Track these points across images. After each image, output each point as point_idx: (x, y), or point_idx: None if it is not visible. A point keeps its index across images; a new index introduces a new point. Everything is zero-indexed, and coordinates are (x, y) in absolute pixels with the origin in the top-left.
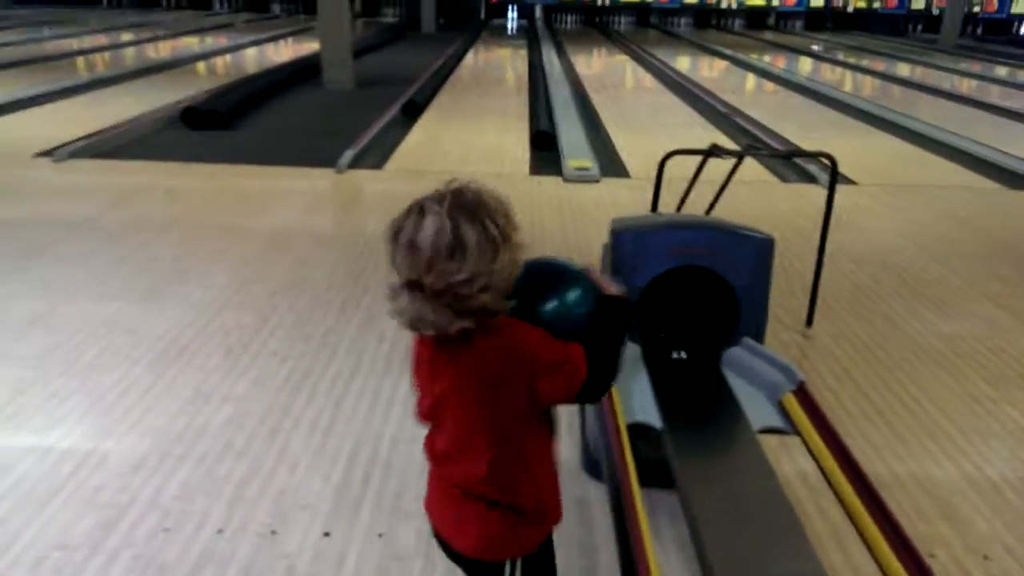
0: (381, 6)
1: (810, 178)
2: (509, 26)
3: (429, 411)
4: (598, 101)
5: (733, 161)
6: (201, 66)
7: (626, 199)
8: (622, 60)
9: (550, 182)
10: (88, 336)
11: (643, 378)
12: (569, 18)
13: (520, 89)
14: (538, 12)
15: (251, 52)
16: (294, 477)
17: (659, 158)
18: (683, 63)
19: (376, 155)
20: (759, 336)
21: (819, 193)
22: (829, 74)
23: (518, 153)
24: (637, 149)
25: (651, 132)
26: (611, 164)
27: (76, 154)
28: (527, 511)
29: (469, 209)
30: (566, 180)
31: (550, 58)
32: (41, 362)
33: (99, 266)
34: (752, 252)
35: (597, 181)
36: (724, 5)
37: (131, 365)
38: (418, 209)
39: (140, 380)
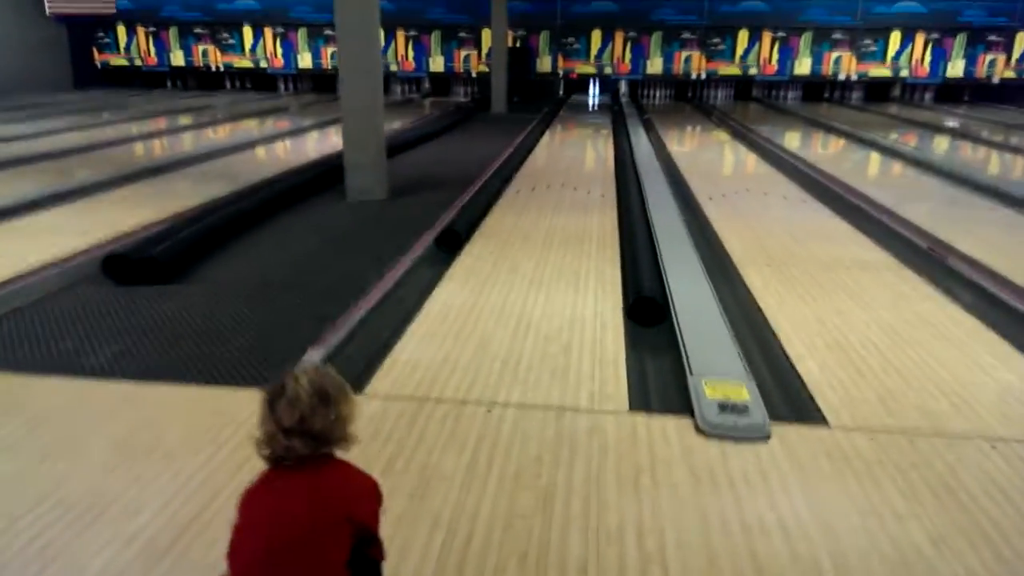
0: (452, 84)
1: None
2: (590, 102)
3: (268, 548)
4: (717, 218)
5: None
6: (213, 166)
7: (836, 497)
8: (725, 141)
9: (670, 433)
10: None
11: None
12: (658, 93)
13: (606, 194)
14: (623, 87)
15: (286, 145)
16: None
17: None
18: (814, 151)
19: (362, 353)
20: None
21: None
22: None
23: (606, 341)
24: (818, 336)
25: (826, 291)
26: (777, 380)
27: None
28: None
29: (322, 373)
30: (703, 431)
31: (639, 144)
32: None
33: None
34: None
35: (764, 437)
36: (842, 76)
37: None
38: (292, 377)
39: None
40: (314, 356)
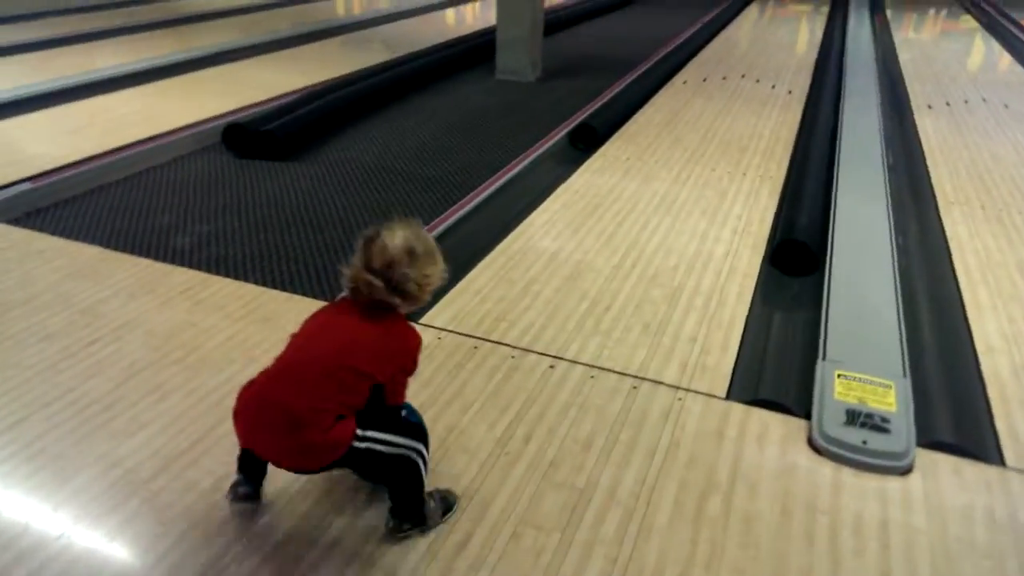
0: None
1: None
2: None
3: (299, 351)
4: (931, 134)
5: None
6: (371, 33)
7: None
8: (972, 31)
9: (770, 438)
10: None
11: None
12: None
13: (795, 91)
14: None
15: (455, 13)
16: None
17: None
18: None
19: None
20: None
21: None
22: None
23: (729, 291)
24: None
25: None
26: (946, 380)
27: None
28: None
29: (419, 233)
30: (815, 445)
31: (858, 26)
32: None
33: None
34: None
35: (904, 470)
36: None
37: None
38: (390, 228)
39: None
40: None
